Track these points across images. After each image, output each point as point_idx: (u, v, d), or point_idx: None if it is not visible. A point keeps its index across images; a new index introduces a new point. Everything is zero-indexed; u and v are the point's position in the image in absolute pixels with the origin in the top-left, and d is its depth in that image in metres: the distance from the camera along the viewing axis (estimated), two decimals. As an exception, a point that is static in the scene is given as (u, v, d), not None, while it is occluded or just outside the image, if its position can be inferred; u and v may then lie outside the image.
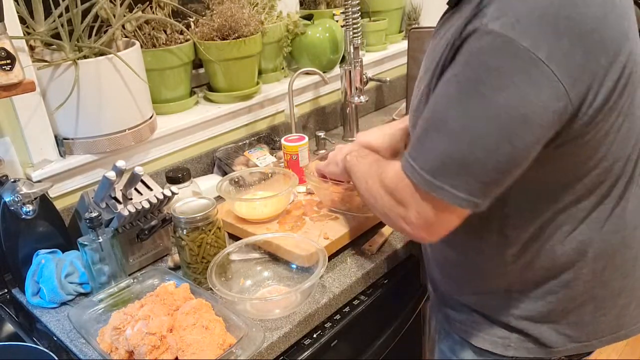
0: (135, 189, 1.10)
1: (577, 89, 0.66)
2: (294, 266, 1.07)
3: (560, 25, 0.64)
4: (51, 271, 1.02)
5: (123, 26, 1.30)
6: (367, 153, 0.98)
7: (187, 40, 1.43)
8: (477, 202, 0.71)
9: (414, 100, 0.85)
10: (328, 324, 1.03)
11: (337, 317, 1.05)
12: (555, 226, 0.79)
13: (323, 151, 1.61)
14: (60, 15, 1.15)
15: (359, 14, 1.54)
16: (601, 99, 0.69)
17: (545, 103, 0.65)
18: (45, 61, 1.15)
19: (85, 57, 1.16)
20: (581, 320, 0.85)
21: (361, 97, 1.63)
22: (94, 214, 0.97)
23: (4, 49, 0.89)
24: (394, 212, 0.79)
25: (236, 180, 1.28)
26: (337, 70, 1.76)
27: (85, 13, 1.18)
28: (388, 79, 1.71)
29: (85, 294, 1.05)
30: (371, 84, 1.94)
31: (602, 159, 0.74)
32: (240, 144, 1.53)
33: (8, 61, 0.90)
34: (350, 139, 1.72)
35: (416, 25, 2.02)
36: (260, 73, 1.62)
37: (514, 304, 0.86)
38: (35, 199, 1.04)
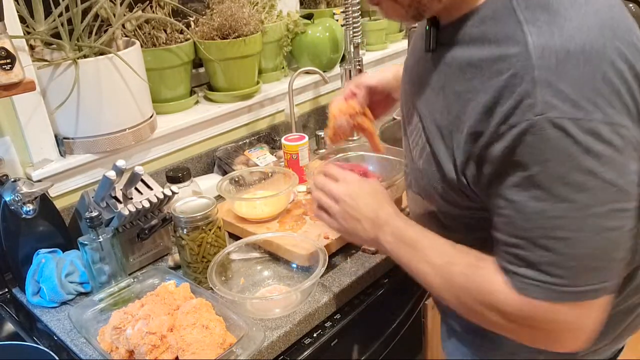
0: (136, 189, 1.10)
1: None
2: (294, 265, 1.07)
3: (615, 82, 0.59)
4: (51, 270, 1.02)
5: (123, 25, 1.30)
6: (404, 229, 0.79)
7: (187, 40, 1.43)
8: (619, 276, 0.65)
9: (414, 152, 0.78)
10: (328, 324, 1.03)
11: (338, 316, 1.05)
12: None
13: (323, 150, 1.61)
14: (60, 15, 1.15)
15: (359, 13, 1.53)
16: None
17: (636, 167, 0.61)
18: (46, 61, 1.15)
19: (85, 56, 1.16)
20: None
21: (361, 96, 1.62)
22: (94, 214, 0.97)
23: (4, 48, 0.89)
24: (523, 336, 0.69)
25: (236, 179, 1.28)
26: (337, 69, 1.76)
27: (85, 12, 1.17)
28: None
29: (86, 294, 1.05)
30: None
31: None
32: (240, 143, 1.53)
33: (8, 60, 0.90)
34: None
35: (416, 25, 2.02)
36: (260, 72, 1.62)
37: None
38: (36, 198, 1.04)
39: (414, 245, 0.76)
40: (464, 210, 0.74)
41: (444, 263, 0.73)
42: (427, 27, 0.72)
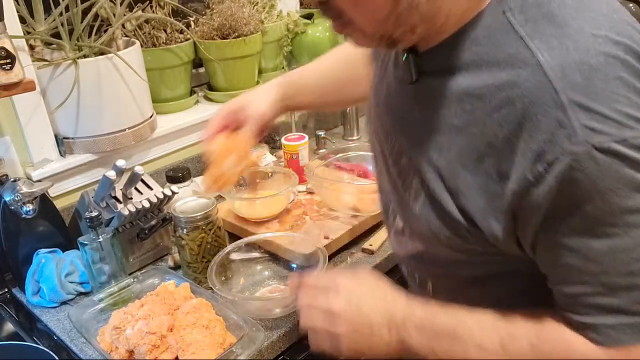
0: (136, 188, 1.10)
1: None
2: (294, 265, 1.07)
3: None
4: (51, 270, 1.02)
5: (123, 25, 1.30)
6: (430, 322, 0.64)
7: (187, 40, 1.43)
8: None
9: (406, 194, 0.66)
10: (328, 323, 1.03)
11: (338, 316, 1.05)
12: None
13: (323, 150, 1.61)
14: (60, 15, 1.15)
15: (359, 13, 1.53)
16: None
17: None
18: (45, 60, 1.15)
19: (85, 56, 1.16)
20: None
21: (361, 96, 1.62)
22: (94, 214, 0.97)
23: (4, 48, 0.89)
24: None
25: (236, 179, 1.27)
26: (337, 69, 1.76)
27: (85, 12, 1.17)
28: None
29: (86, 294, 1.05)
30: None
31: None
32: (240, 143, 1.53)
33: (8, 60, 0.90)
34: (350, 138, 1.71)
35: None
36: (260, 72, 1.62)
37: None
38: (36, 198, 1.04)
39: (452, 334, 0.62)
40: (474, 257, 0.63)
41: (500, 344, 0.59)
42: (404, 56, 0.62)
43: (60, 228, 1.11)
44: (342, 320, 0.65)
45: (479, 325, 0.61)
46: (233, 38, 1.43)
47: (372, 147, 0.78)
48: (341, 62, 0.97)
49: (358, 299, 0.65)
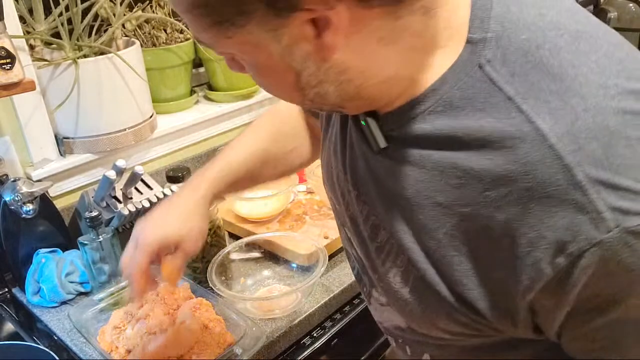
0: (136, 188, 1.10)
1: None
2: (294, 265, 1.07)
3: None
4: (51, 270, 1.02)
5: (123, 25, 1.30)
6: None
7: (187, 39, 1.42)
8: None
9: (389, 274, 0.55)
10: (328, 323, 1.03)
11: (338, 316, 1.05)
12: None
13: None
14: (60, 14, 1.15)
15: (359, 12, 1.53)
16: None
17: None
18: (45, 60, 1.15)
19: (85, 56, 1.16)
20: None
21: (361, 96, 1.62)
22: (94, 213, 0.97)
23: (3, 48, 0.89)
24: None
25: (236, 179, 1.27)
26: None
27: (85, 12, 1.17)
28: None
29: (86, 293, 1.05)
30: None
31: None
32: (240, 143, 1.53)
33: (8, 60, 0.90)
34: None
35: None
36: (260, 72, 1.62)
37: None
38: (36, 198, 1.04)
39: None
40: (474, 339, 0.54)
41: None
42: (363, 122, 0.51)
43: (60, 228, 1.11)
44: None
45: None
46: (233, 38, 1.43)
47: (334, 210, 0.68)
48: (274, 133, 0.83)
49: None
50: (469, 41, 0.44)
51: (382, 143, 0.50)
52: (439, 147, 0.46)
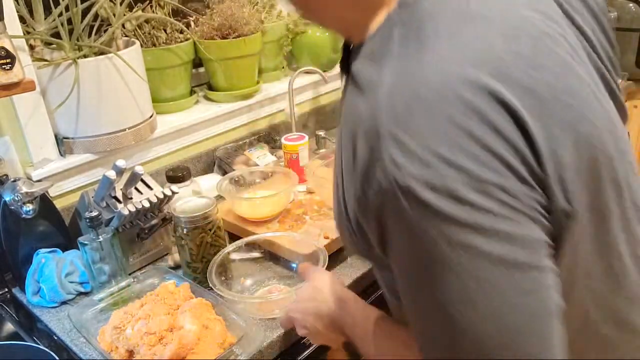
0: (136, 188, 1.10)
1: None
2: (294, 265, 1.07)
3: (482, 132, 0.46)
4: (51, 270, 1.02)
5: (123, 25, 1.30)
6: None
7: (187, 39, 1.42)
8: None
9: None
10: (328, 323, 1.03)
11: (338, 316, 1.05)
12: None
13: (323, 150, 1.61)
14: (60, 14, 1.15)
15: (359, 12, 1.53)
16: None
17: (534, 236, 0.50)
18: (45, 60, 1.15)
19: (85, 56, 1.16)
20: None
21: (361, 96, 1.62)
22: (94, 213, 0.97)
23: (3, 48, 0.89)
24: None
25: (236, 179, 1.28)
26: (337, 69, 1.75)
27: (85, 12, 1.17)
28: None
29: (86, 293, 1.05)
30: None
31: None
32: (240, 143, 1.53)
33: (8, 60, 0.90)
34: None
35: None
36: (260, 72, 1.62)
37: None
38: (36, 198, 1.04)
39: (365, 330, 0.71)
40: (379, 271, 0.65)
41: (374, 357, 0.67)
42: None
43: (60, 228, 1.11)
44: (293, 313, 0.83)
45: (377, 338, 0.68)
46: (233, 38, 1.43)
47: None
48: None
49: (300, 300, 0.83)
50: (399, 4, 0.51)
51: (344, 71, 0.59)
52: (355, 86, 0.52)
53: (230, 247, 1.06)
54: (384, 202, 0.46)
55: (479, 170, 0.43)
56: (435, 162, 0.43)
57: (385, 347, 0.67)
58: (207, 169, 1.49)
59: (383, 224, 0.47)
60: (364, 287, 1.10)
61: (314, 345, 0.99)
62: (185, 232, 1.01)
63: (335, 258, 1.11)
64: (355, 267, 1.08)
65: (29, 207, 1.03)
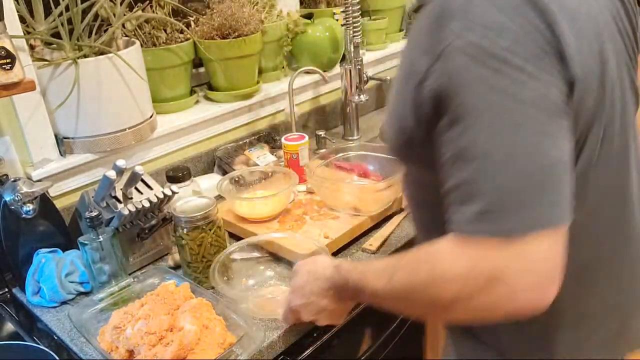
0: (136, 188, 1.10)
1: None
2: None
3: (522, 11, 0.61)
4: (51, 270, 1.02)
5: (123, 25, 1.30)
6: (359, 263, 0.79)
7: (187, 39, 1.42)
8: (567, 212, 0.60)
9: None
10: (328, 323, 1.03)
11: (338, 316, 1.05)
12: None
13: (323, 150, 1.61)
14: (61, 14, 1.15)
15: (359, 12, 1.53)
16: None
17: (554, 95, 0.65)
18: (46, 60, 1.15)
19: (85, 56, 1.16)
20: None
21: (361, 96, 1.62)
22: (94, 213, 0.97)
23: (4, 48, 0.89)
24: (484, 298, 0.58)
25: (236, 179, 1.28)
26: (337, 69, 1.76)
27: (85, 12, 1.17)
28: (388, 77, 1.71)
29: (86, 293, 1.05)
30: (371, 83, 1.94)
31: None
32: (240, 143, 1.53)
33: (8, 60, 0.90)
34: (350, 138, 1.71)
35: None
36: (260, 72, 1.62)
37: None
38: (36, 198, 1.04)
39: (362, 273, 0.74)
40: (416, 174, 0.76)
41: (386, 281, 0.68)
42: None
43: (60, 228, 1.11)
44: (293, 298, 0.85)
45: (377, 270, 0.71)
46: (233, 38, 1.43)
47: None
48: None
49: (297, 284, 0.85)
50: None
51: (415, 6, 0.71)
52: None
53: (231, 248, 1.06)
54: (445, 66, 0.58)
55: (523, 39, 0.56)
56: (486, 31, 0.56)
57: (398, 267, 0.68)
58: (207, 169, 1.49)
59: (443, 90, 0.58)
60: (364, 287, 1.10)
61: (314, 345, 0.99)
62: (185, 232, 1.01)
63: (335, 258, 1.12)
64: (355, 267, 1.08)
65: (29, 207, 1.03)
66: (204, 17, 1.46)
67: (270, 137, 1.59)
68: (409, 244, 1.17)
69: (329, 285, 0.80)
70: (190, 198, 1.07)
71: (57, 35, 1.16)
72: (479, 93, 0.56)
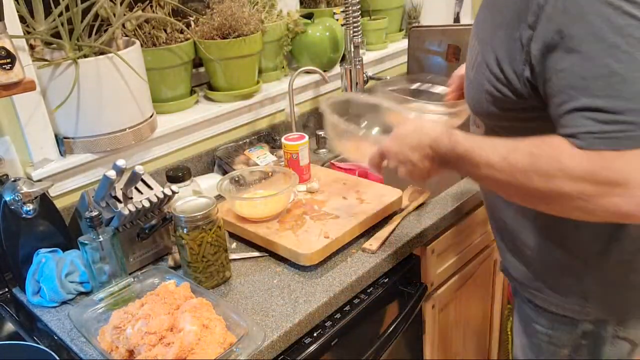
0: (136, 188, 1.10)
1: None
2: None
3: None
4: (52, 270, 1.02)
5: (123, 25, 1.30)
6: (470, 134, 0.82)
7: (187, 39, 1.43)
8: None
9: (470, 73, 0.86)
10: (328, 323, 1.03)
11: (338, 316, 1.05)
12: None
13: (324, 150, 1.61)
14: (61, 14, 1.15)
15: (359, 12, 1.53)
16: None
17: None
18: (46, 60, 1.15)
19: (85, 56, 1.16)
20: None
21: (361, 96, 1.63)
22: (94, 213, 0.97)
23: (4, 48, 0.89)
24: (602, 200, 0.65)
25: (236, 179, 1.28)
26: (337, 69, 1.76)
27: (85, 12, 1.18)
28: (388, 77, 1.71)
29: (86, 293, 1.05)
30: (371, 83, 1.94)
31: None
32: (240, 142, 1.53)
33: (8, 60, 0.90)
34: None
35: (416, 24, 2.02)
36: (260, 72, 1.62)
37: None
38: (36, 198, 1.04)
39: (469, 156, 0.76)
40: (514, 116, 0.80)
41: (504, 156, 0.72)
42: None
43: (60, 228, 1.11)
44: (392, 155, 0.87)
45: (493, 146, 0.74)
46: (233, 38, 1.43)
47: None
48: None
49: (401, 138, 0.86)
50: None
51: None
52: None
53: (231, 247, 1.05)
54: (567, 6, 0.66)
55: None
56: None
57: (515, 148, 0.72)
58: (207, 169, 1.49)
59: (559, 17, 0.66)
60: (364, 288, 1.10)
61: (314, 345, 0.99)
62: (185, 231, 1.01)
63: (335, 258, 1.12)
64: (355, 267, 1.08)
65: (29, 207, 1.03)
66: (204, 17, 1.46)
67: (270, 137, 1.59)
68: (409, 244, 1.17)
69: (430, 142, 0.81)
70: (190, 198, 1.07)
71: (57, 35, 1.16)
72: (598, 26, 0.64)
